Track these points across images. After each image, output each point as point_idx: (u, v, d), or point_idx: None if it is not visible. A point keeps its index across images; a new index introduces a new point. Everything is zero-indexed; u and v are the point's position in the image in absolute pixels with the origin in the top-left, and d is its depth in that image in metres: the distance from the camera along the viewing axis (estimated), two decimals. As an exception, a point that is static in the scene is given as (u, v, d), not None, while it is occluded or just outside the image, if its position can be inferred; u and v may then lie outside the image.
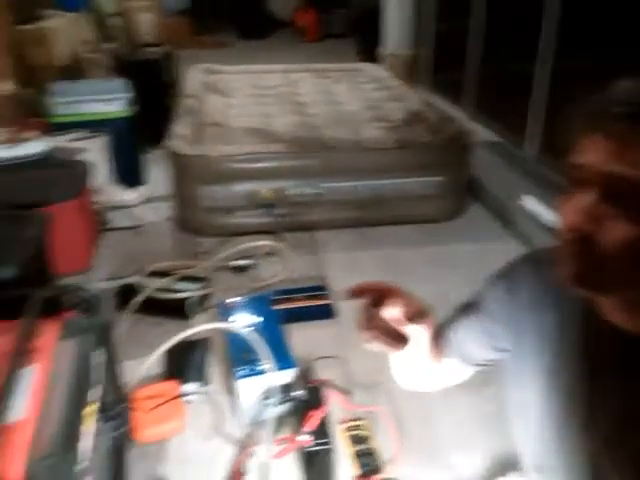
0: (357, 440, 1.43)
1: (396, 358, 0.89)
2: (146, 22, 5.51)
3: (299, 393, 1.44)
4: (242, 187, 2.50)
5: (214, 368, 1.75)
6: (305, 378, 1.50)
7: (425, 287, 2.28)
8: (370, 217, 2.66)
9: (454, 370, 0.94)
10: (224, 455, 1.45)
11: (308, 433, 1.36)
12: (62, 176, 2.26)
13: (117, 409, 1.31)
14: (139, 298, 1.96)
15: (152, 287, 2.01)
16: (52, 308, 1.33)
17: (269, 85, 3.77)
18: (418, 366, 0.91)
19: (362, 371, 1.69)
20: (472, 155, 2.82)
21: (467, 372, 0.96)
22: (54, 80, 3.11)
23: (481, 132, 3.37)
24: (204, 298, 2.06)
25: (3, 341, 1.10)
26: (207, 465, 1.43)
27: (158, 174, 3.07)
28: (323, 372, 1.65)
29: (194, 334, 1.87)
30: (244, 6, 7.83)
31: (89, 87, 3.04)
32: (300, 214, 2.58)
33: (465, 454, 1.47)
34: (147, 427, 1.47)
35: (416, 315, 0.72)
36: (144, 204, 2.84)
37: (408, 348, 0.71)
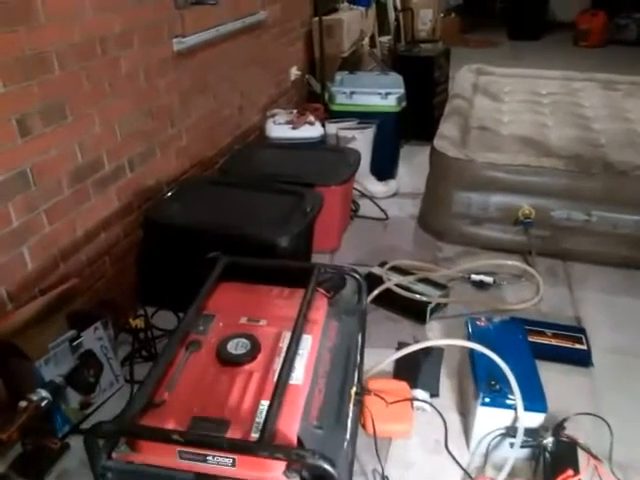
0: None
1: None
2: (425, 18, 5.63)
3: (547, 442, 1.29)
4: (501, 199, 2.35)
5: (444, 381, 1.70)
6: (556, 428, 1.33)
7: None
8: (649, 260, 2.24)
9: None
10: (447, 473, 1.40)
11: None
12: (337, 162, 2.44)
13: (359, 397, 1.35)
14: (378, 290, 2.01)
15: (393, 282, 2.03)
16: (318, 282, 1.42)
17: (545, 92, 3.45)
18: None
19: (618, 438, 1.44)
20: None
21: None
22: (335, 70, 3.36)
23: None
24: (441, 306, 2.02)
25: (287, 304, 1.24)
26: (428, 478, 1.39)
27: (407, 170, 3.09)
28: (570, 426, 1.45)
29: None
30: (519, 5, 7.38)
31: (368, 80, 3.20)
32: (561, 240, 2.32)
33: None
34: (379, 421, 1.46)
35: None
36: (390, 198, 2.92)
37: None
